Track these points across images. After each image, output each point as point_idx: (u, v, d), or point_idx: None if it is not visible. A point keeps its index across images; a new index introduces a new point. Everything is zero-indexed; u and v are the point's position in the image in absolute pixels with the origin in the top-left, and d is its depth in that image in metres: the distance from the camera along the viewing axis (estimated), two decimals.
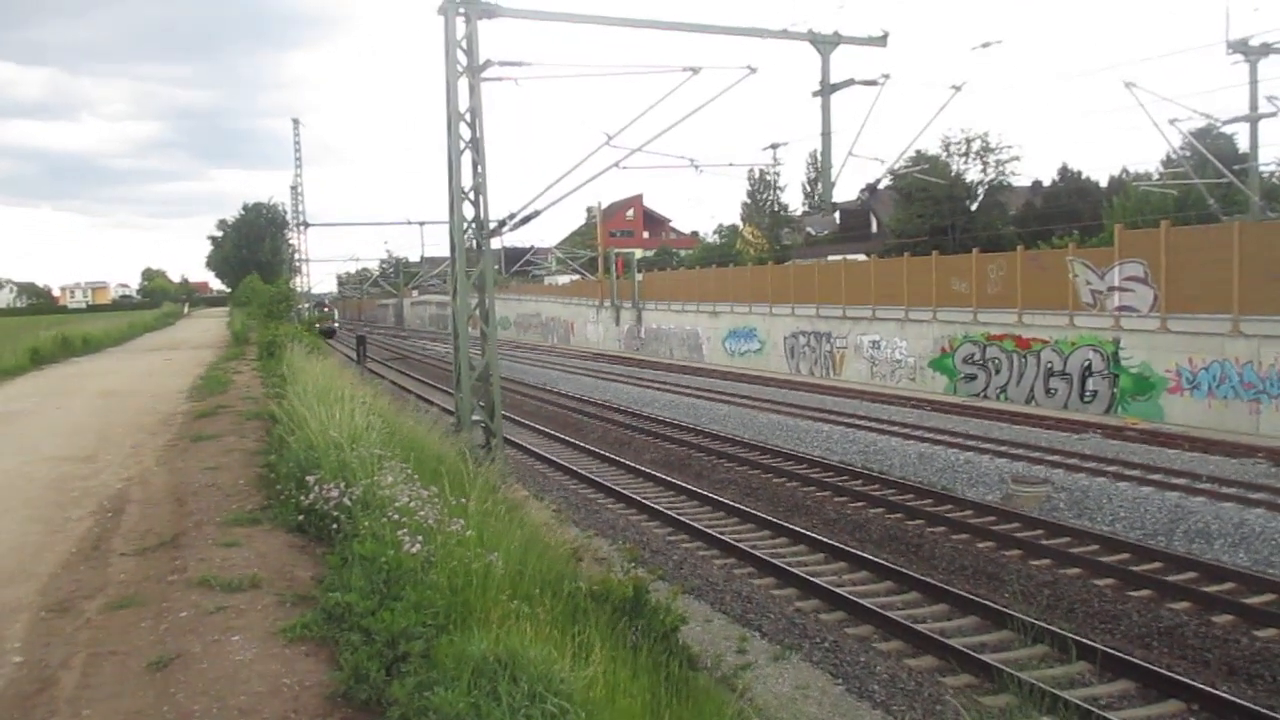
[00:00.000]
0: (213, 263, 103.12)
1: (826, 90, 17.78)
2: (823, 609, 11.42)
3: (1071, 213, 46.46)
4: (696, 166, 21.19)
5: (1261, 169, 30.22)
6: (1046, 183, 56.53)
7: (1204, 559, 12.70)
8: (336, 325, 77.90)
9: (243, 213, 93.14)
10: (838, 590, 11.72)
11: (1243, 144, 32.84)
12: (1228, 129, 34.84)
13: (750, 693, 8.59)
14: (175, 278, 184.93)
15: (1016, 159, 51.79)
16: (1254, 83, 26.08)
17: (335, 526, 7.44)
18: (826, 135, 18.03)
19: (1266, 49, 25.56)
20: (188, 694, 4.95)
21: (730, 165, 28.12)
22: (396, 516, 6.79)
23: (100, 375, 25.70)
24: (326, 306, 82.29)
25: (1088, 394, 25.33)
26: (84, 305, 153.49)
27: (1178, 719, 8.53)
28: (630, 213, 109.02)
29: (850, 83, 17.82)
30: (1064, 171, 55.04)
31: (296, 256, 68.09)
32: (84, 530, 8.44)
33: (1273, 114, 26.22)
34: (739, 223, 78.66)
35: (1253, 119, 26.82)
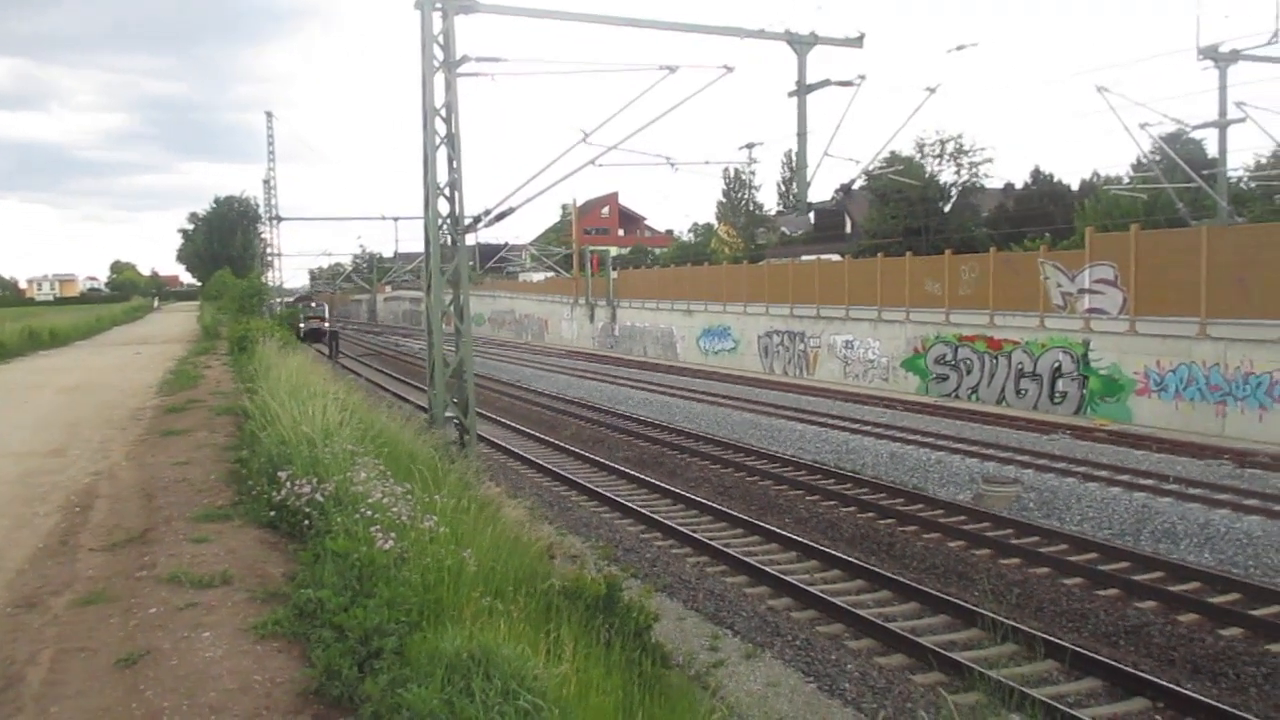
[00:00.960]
0: (183, 256, 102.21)
1: (802, 90, 17.83)
2: (795, 607, 11.47)
3: (1043, 215, 46.90)
4: (672, 165, 21.11)
5: (1230, 174, 30.62)
6: (1019, 185, 57.05)
7: (1170, 559, 12.87)
8: (327, 325, 59.90)
9: (214, 206, 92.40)
10: (810, 589, 11.77)
11: (1212, 149, 33.27)
12: (1197, 134, 35.42)
13: (722, 690, 8.62)
14: (145, 271, 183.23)
15: (989, 161, 52.42)
16: (1223, 89, 26.39)
17: (307, 523, 7.41)
18: (802, 135, 18.07)
19: (1236, 55, 25.88)
20: (157, 691, 4.91)
21: (706, 164, 28.02)
22: (369, 513, 6.78)
23: (68, 369, 25.41)
24: (315, 302, 66.98)
25: (1057, 395, 25.58)
26: (51, 298, 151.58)
27: (1144, 716, 8.63)
28: (605, 210, 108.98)
29: (826, 83, 17.87)
30: (1036, 174, 55.55)
31: (269, 251, 67.47)
32: (51, 525, 8.35)
33: (1241, 120, 26.54)
34: (714, 221, 78.83)
35: (1222, 124, 27.15)
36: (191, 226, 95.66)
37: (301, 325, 54.27)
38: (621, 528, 15.27)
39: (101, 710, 4.73)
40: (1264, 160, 38.69)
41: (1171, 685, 8.93)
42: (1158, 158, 34.10)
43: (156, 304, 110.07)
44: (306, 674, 5.04)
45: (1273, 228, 22.66)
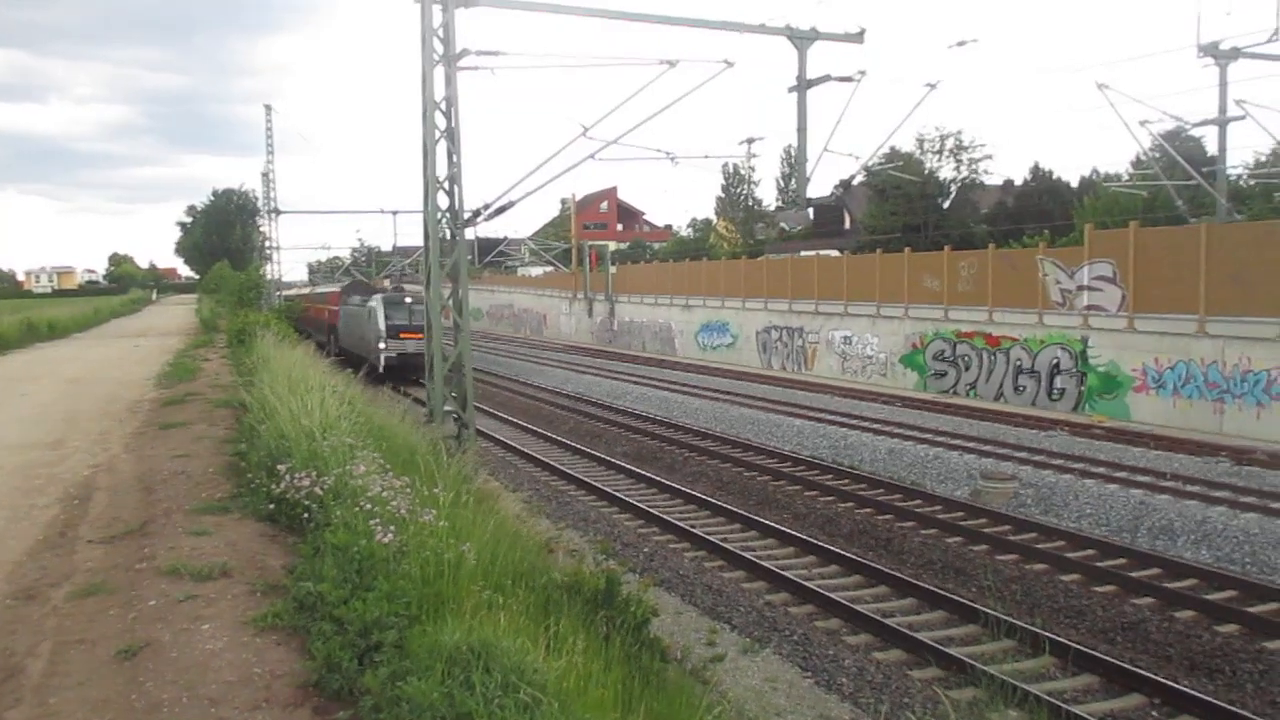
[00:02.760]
0: (182, 249, 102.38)
1: (803, 86, 17.84)
2: (792, 602, 11.48)
3: (1042, 212, 46.90)
4: (672, 159, 21.21)
5: (1229, 172, 30.64)
6: (1018, 182, 57.06)
7: (1167, 555, 12.89)
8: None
9: (213, 199, 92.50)
10: (808, 584, 11.79)
11: (1211, 146, 33.32)
12: (1197, 131, 35.42)
13: (721, 685, 8.63)
14: (143, 264, 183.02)
15: (989, 157, 52.34)
16: (1223, 86, 26.42)
17: (307, 516, 7.42)
18: (802, 131, 18.09)
19: (1236, 53, 25.88)
20: (157, 683, 4.92)
21: (705, 158, 28.21)
22: (369, 506, 6.77)
23: (66, 361, 25.39)
24: (411, 297, 31.86)
25: (1055, 392, 25.60)
26: (49, 290, 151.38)
27: (1140, 712, 8.65)
28: (604, 205, 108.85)
29: (827, 79, 17.88)
30: (1036, 171, 55.54)
31: (267, 244, 67.37)
32: (50, 517, 8.35)
33: (1241, 117, 26.57)
34: (713, 217, 78.80)
35: (1221, 122, 27.17)
36: (190, 219, 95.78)
37: (381, 348, 30.02)
38: (620, 522, 15.27)
39: (102, 702, 4.73)
40: (1264, 158, 38.72)
41: (1168, 681, 8.95)
42: (1157, 155, 34.12)
43: (155, 296, 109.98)
44: (306, 666, 5.05)
45: (1272, 225, 22.64)
